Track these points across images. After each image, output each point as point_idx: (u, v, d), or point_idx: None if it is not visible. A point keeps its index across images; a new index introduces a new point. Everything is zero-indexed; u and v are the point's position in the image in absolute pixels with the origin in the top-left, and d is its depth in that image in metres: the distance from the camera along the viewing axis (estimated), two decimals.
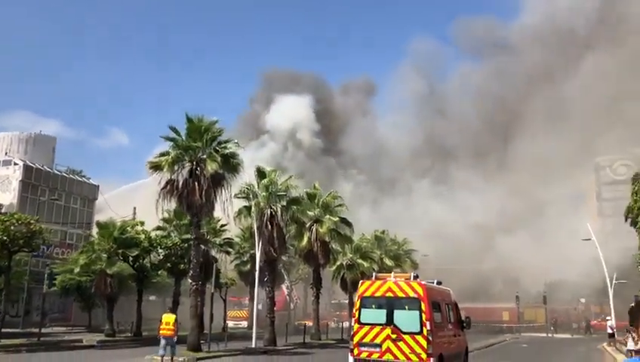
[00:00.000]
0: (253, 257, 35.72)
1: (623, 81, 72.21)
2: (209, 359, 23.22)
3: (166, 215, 31.42)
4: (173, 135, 25.20)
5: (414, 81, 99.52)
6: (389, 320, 15.11)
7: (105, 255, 32.93)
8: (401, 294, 15.29)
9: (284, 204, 30.90)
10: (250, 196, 30.30)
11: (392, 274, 16.31)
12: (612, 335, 34.69)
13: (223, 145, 25.71)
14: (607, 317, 36.71)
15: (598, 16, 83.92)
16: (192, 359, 22.31)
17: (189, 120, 25.06)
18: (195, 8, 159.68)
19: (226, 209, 26.20)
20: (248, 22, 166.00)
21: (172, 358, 19.90)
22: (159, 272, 36.49)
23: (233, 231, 41.39)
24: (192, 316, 25.15)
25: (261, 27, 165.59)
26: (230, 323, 48.16)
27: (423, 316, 14.83)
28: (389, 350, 14.84)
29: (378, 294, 15.54)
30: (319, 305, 39.37)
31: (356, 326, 15.51)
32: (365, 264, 42.27)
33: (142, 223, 36.10)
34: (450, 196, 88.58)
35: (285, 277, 54.61)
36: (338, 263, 41.56)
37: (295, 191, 32.31)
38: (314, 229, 35.47)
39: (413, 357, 14.59)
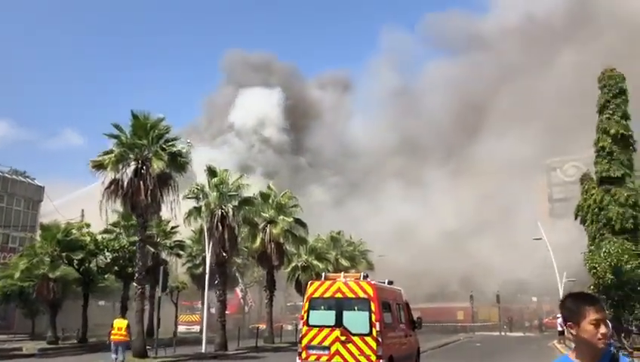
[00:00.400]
0: (205, 259, 34.83)
1: (586, 78, 73.97)
2: None
3: (114, 217, 30.20)
4: (117, 132, 24.20)
5: (387, 77, 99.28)
6: (338, 322, 14.64)
7: (48, 258, 31.40)
8: (350, 294, 14.84)
9: (236, 204, 30.15)
10: (200, 196, 29.46)
11: (342, 274, 15.83)
12: (562, 333, 35.13)
13: (170, 144, 24.82)
14: (557, 315, 37.23)
15: (571, 10, 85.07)
16: None
17: (135, 116, 24.08)
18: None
19: (174, 210, 25.28)
20: (212, 15, 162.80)
21: None
22: (106, 276, 35.08)
23: (185, 234, 40.38)
24: (137, 321, 24.09)
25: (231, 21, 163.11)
26: (182, 328, 46.97)
27: (373, 316, 14.41)
28: (337, 352, 14.36)
29: (327, 295, 15.05)
30: (273, 307, 38.65)
31: (305, 328, 14.99)
32: (320, 265, 41.76)
33: (88, 225, 34.71)
34: (416, 196, 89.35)
35: (240, 280, 53.68)
36: (293, 264, 40.91)
37: (247, 190, 31.57)
38: (267, 230, 34.85)
39: (362, 359, 14.15)
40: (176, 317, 43.21)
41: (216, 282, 30.18)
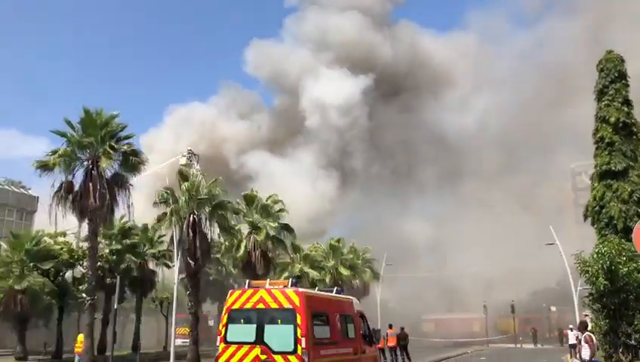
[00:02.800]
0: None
1: None
2: None
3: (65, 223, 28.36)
4: (67, 130, 22.47)
5: None
6: (259, 338, 12.36)
7: (17, 269, 29.80)
8: (273, 305, 12.55)
9: (209, 209, 28.16)
10: (170, 201, 27.53)
11: (268, 281, 13.55)
12: (574, 346, 32.04)
13: (125, 143, 22.99)
14: (570, 326, 33.97)
15: None
16: None
17: (86, 112, 22.31)
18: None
19: (130, 214, 23.40)
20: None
21: None
22: (81, 287, 33.30)
23: None
24: (86, 335, 22.16)
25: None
26: (179, 341, 45.02)
27: (299, 331, 12.09)
28: None
29: (248, 306, 12.78)
30: None
31: (222, 346, 12.71)
32: (316, 274, 39.56)
33: (64, 234, 33.14)
34: (425, 202, 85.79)
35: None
36: (285, 274, 38.66)
37: (226, 196, 29.59)
38: (252, 237, 32.73)
39: None
40: (167, 329, 41.29)
41: (187, 293, 28.13)
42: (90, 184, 21.62)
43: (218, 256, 40.11)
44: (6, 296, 29.78)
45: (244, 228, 33.17)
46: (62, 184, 22.05)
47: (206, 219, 28.01)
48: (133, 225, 36.22)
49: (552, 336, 60.73)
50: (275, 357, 12.04)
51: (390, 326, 29.63)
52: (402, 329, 29.91)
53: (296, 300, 12.39)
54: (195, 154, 65.72)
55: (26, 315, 30.55)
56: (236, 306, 12.93)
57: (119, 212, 23.54)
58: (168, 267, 40.17)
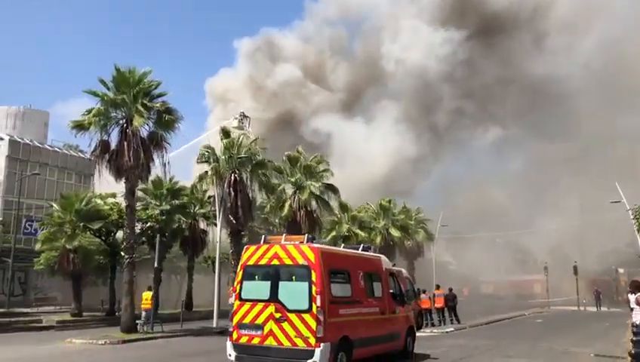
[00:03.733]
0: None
1: None
2: (138, 341, 20.38)
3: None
4: (102, 89, 22.30)
5: None
6: (274, 295, 11.77)
7: (68, 229, 30.65)
8: (288, 261, 11.90)
9: (250, 168, 27.77)
10: (211, 160, 27.31)
11: (283, 236, 12.83)
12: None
13: (159, 100, 22.64)
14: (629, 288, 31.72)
15: None
16: (114, 341, 19.65)
17: (117, 70, 22.04)
18: None
19: (167, 173, 23.25)
20: None
21: None
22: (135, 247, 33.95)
23: None
24: (125, 293, 22.38)
25: None
26: (231, 299, 45.68)
27: (314, 289, 11.41)
28: (271, 333, 11.54)
29: (262, 262, 12.19)
30: None
31: (236, 303, 12.28)
32: (364, 234, 38.85)
33: (113, 195, 33.69)
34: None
35: None
36: (333, 234, 38.19)
37: (265, 154, 29.10)
38: (296, 197, 32.26)
39: (299, 341, 11.25)
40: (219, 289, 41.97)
41: (231, 251, 28.04)
42: (125, 143, 21.45)
43: (265, 215, 40.22)
44: (60, 255, 30.81)
45: (289, 189, 32.80)
46: (97, 143, 21.94)
47: (247, 179, 27.59)
48: (182, 186, 36.44)
49: (622, 299, 57.77)
50: (290, 315, 11.45)
51: (437, 287, 28.63)
52: (450, 289, 28.84)
53: (312, 256, 11.66)
54: (246, 117, 66.19)
55: (79, 273, 31.53)
56: (251, 262, 12.38)
57: (156, 170, 23.26)
58: (216, 225, 40.70)
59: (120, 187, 35.22)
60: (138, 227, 34.87)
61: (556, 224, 70.69)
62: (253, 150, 27.66)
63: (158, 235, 25.31)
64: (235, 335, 12.00)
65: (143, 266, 41.69)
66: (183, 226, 35.94)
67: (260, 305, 11.81)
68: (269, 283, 11.92)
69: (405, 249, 46.46)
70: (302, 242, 12.16)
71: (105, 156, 22.04)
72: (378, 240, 41.57)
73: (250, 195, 27.81)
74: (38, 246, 31.92)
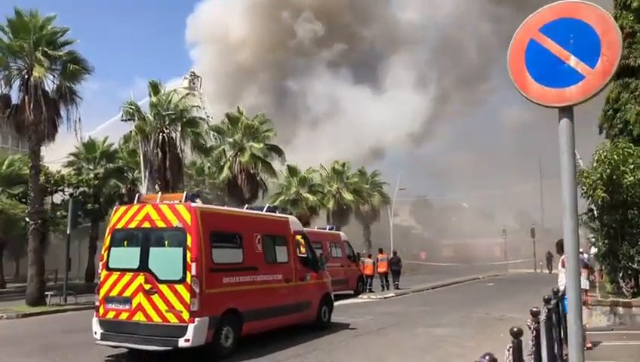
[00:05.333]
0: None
1: None
2: (41, 314, 18.42)
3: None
4: None
5: None
6: (143, 264, 10.02)
7: None
8: (161, 224, 10.12)
9: (181, 127, 25.72)
10: (136, 118, 25.16)
11: (159, 195, 11.03)
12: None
13: (66, 50, 20.30)
14: (580, 249, 30.96)
15: None
16: (12, 315, 17.76)
17: (17, 13, 19.58)
18: None
19: (78, 131, 21.06)
20: None
21: None
22: (58, 214, 31.75)
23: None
24: (31, 263, 20.39)
25: None
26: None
27: (188, 255, 9.67)
28: (140, 307, 9.84)
29: (132, 225, 10.39)
30: None
31: (103, 273, 10.47)
32: (313, 198, 37.29)
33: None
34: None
35: None
36: (281, 198, 36.54)
37: (198, 112, 27.09)
38: (237, 159, 30.41)
39: (170, 316, 9.56)
40: None
41: None
42: (26, 96, 19.17)
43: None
44: None
45: (229, 151, 30.96)
46: None
47: (176, 138, 25.57)
48: (118, 149, 34.22)
49: None
50: (161, 286, 9.73)
51: (381, 251, 27.30)
52: (395, 253, 27.58)
53: (187, 217, 9.88)
54: (197, 77, 63.32)
55: (1, 241, 29.31)
56: (120, 226, 10.56)
57: (64, 127, 20.94)
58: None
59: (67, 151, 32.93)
60: (69, 192, 32.79)
61: (520, 187, 70.72)
62: (183, 107, 25.56)
63: (70, 200, 23.23)
64: (101, 311, 10.26)
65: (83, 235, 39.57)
66: (123, 192, 33.91)
67: (128, 276, 10.06)
68: (138, 249, 10.15)
69: (361, 213, 45.22)
70: (180, 201, 10.37)
71: (5, 112, 19.71)
72: (331, 204, 40.19)
73: (180, 155, 25.81)
74: None
